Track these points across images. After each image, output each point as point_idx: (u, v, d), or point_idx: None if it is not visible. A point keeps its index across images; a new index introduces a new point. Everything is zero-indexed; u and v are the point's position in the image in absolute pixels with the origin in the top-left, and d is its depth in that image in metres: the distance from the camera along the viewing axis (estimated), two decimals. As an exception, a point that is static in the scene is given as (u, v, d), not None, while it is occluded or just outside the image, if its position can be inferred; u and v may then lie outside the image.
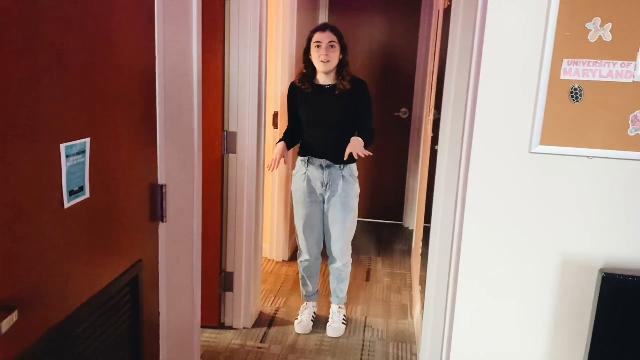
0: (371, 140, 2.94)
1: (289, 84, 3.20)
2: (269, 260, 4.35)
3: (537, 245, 1.72)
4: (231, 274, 3.14)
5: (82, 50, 1.29)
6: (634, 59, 1.55)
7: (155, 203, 1.79)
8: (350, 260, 3.26)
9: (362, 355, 3.00)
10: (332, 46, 2.91)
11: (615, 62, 1.56)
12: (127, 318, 1.63)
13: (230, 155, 3.00)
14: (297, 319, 3.30)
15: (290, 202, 4.09)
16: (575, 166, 1.65)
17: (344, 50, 2.97)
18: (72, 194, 1.28)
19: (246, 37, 2.85)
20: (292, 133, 3.15)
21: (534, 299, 1.75)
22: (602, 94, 1.58)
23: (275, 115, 3.97)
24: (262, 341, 3.09)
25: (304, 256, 3.24)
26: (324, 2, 5.11)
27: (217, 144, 2.93)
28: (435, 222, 2.52)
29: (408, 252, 4.73)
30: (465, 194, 1.75)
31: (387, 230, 5.35)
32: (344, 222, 3.07)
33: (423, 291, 2.97)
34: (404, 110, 5.24)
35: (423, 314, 2.76)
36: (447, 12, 2.77)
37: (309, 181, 3.06)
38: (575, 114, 1.61)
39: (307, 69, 3.02)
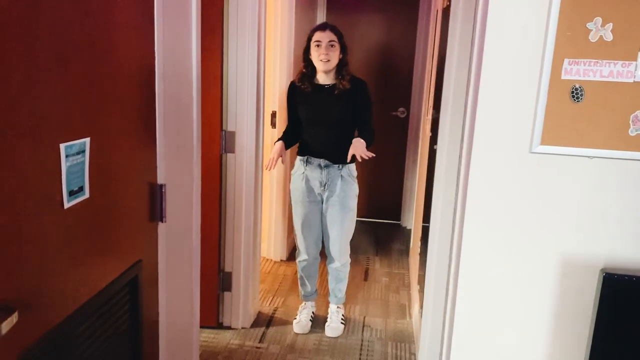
0: (372, 140, 2.94)
1: (288, 83, 3.19)
2: (267, 259, 4.34)
3: (537, 245, 1.71)
4: (229, 274, 3.13)
5: (81, 50, 1.28)
6: (635, 58, 1.55)
7: (154, 203, 1.78)
8: (349, 260, 3.26)
9: (360, 354, 3.00)
10: (332, 45, 2.91)
11: (615, 62, 1.56)
12: (127, 318, 1.63)
13: (229, 154, 2.99)
14: (295, 318, 3.30)
15: (288, 201, 4.09)
16: (576, 166, 1.64)
17: (343, 49, 2.97)
18: (71, 194, 1.28)
19: (244, 37, 2.84)
20: (291, 132, 3.14)
21: (534, 299, 1.75)
22: (603, 94, 1.58)
23: (273, 115, 3.97)
24: (260, 341, 3.09)
25: (302, 256, 3.24)
26: (321, 1, 5.10)
27: (216, 144, 2.92)
28: (434, 222, 2.52)
29: (406, 252, 4.73)
30: (466, 194, 1.74)
31: (385, 229, 5.35)
32: (342, 222, 3.07)
33: (421, 290, 2.97)
34: (401, 109, 5.24)
35: (421, 313, 2.76)
36: (446, 11, 2.77)
37: (307, 181, 3.05)
38: (576, 114, 1.60)
39: (307, 68, 3.01)
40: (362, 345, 3.11)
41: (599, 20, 1.54)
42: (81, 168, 1.31)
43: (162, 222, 1.84)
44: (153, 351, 1.90)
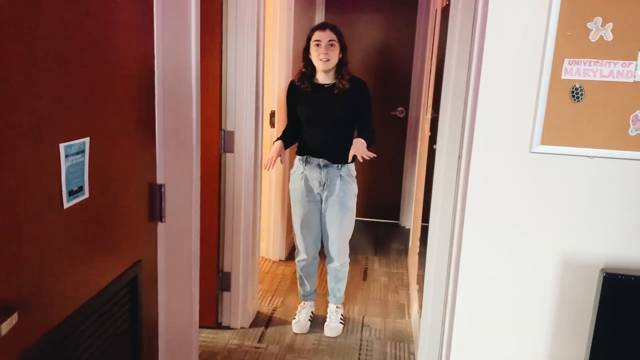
0: (372, 140, 2.93)
1: (287, 83, 3.19)
2: (266, 259, 4.34)
3: (537, 245, 1.71)
4: (228, 274, 3.13)
5: (81, 50, 1.28)
6: (635, 58, 1.55)
7: (154, 203, 1.78)
8: (348, 260, 3.26)
9: (359, 354, 3.00)
10: (332, 45, 2.91)
11: (616, 61, 1.56)
12: (126, 318, 1.62)
13: (228, 154, 2.99)
14: (294, 318, 3.30)
15: (287, 201, 4.09)
16: (576, 166, 1.64)
17: (343, 49, 2.96)
18: (71, 194, 1.27)
19: (244, 36, 2.84)
20: (290, 132, 3.14)
21: (535, 299, 1.75)
22: (603, 94, 1.58)
23: (272, 114, 3.96)
24: (259, 341, 3.08)
25: (301, 255, 3.23)
26: (320, 1, 5.10)
27: (215, 143, 2.92)
28: (433, 221, 2.52)
29: (405, 251, 4.73)
30: (466, 194, 1.74)
31: (384, 229, 5.35)
32: (341, 222, 3.07)
33: (420, 290, 2.97)
34: (400, 109, 5.24)
35: (421, 313, 2.76)
36: (445, 11, 2.77)
37: (306, 180, 3.05)
38: (576, 114, 1.60)
39: (307, 68, 3.01)
40: (361, 345, 3.11)
41: (599, 20, 1.54)
42: (81, 168, 1.31)
43: (162, 222, 1.83)
44: (152, 351, 1.90)
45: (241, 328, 3.20)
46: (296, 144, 3.15)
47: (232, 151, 2.98)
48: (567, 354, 1.76)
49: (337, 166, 2.98)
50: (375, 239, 5.03)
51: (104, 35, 1.38)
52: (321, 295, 3.58)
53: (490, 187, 1.71)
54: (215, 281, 3.09)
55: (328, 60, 2.90)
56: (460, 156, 2.02)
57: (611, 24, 1.54)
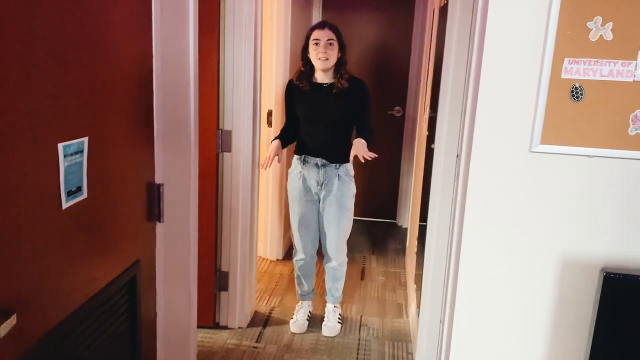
0: (372, 140, 2.93)
1: (285, 82, 3.18)
2: (263, 259, 4.33)
3: (537, 245, 1.71)
4: (226, 273, 3.12)
5: (80, 49, 1.27)
6: (635, 58, 1.55)
7: (152, 203, 1.77)
8: (346, 260, 3.25)
9: (357, 354, 3.00)
10: (331, 44, 2.90)
11: (615, 61, 1.56)
12: (125, 319, 1.61)
13: (225, 153, 2.98)
14: (292, 318, 3.29)
15: (284, 200, 4.08)
16: (576, 165, 1.64)
17: (342, 48, 2.96)
18: (69, 194, 1.26)
19: (241, 35, 2.83)
20: (288, 131, 3.13)
21: (534, 299, 1.75)
22: (603, 93, 1.58)
23: (269, 114, 3.96)
24: (257, 341, 3.08)
25: (299, 255, 3.23)
26: (317, 0, 5.09)
27: (212, 143, 2.91)
28: (431, 221, 2.52)
29: (402, 251, 4.73)
30: (465, 193, 1.74)
31: (381, 228, 5.35)
32: (339, 222, 3.06)
33: (418, 290, 2.97)
34: (397, 108, 5.24)
35: (419, 312, 2.76)
36: (443, 10, 2.76)
37: (304, 180, 3.04)
38: (576, 113, 1.60)
39: (305, 67, 3.00)
40: (359, 344, 3.10)
41: (599, 19, 1.54)
42: (79, 168, 1.30)
43: (160, 222, 1.82)
44: (151, 351, 1.89)
45: (239, 328, 3.19)
46: (294, 144, 3.15)
47: (229, 150, 2.97)
48: (567, 354, 1.76)
49: (335, 166, 2.98)
50: (373, 239, 5.03)
51: (102, 35, 1.37)
52: (319, 294, 3.58)
53: (490, 186, 1.71)
54: (212, 281, 3.08)
55: (327, 59, 2.89)
56: (458, 155, 2.02)
57: (611, 23, 1.54)
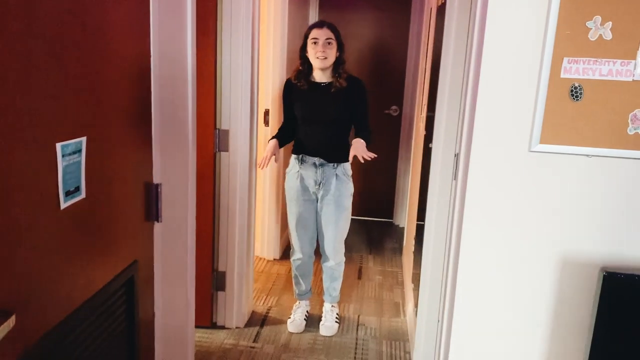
0: (370, 139, 2.92)
1: (282, 81, 3.18)
2: (260, 258, 4.32)
3: (537, 244, 1.71)
4: (223, 273, 3.11)
5: (77, 49, 1.26)
6: (634, 57, 1.55)
7: (150, 202, 1.76)
8: (344, 259, 3.25)
9: (355, 353, 2.99)
10: (329, 43, 2.89)
11: (615, 60, 1.56)
12: (123, 319, 1.61)
13: (222, 153, 2.97)
14: (289, 317, 3.29)
15: (281, 200, 4.07)
16: (575, 165, 1.64)
17: (340, 47, 2.95)
18: (68, 194, 1.25)
19: (238, 34, 2.82)
20: (285, 130, 3.13)
21: (534, 298, 1.75)
22: (602, 93, 1.58)
23: (266, 113, 3.95)
24: (254, 340, 3.07)
25: (296, 254, 3.22)
26: (314, -1, 5.10)
27: (209, 142, 2.90)
28: (429, 220, 2.52)
29: (399, 250, 4.73)
30: (465, 193, 1.74)
31: (378, 227, 5.35)
32: (337, 221, 3.06)
33: (416, 289, 2.97)
34: (394, 107, 5.24)
35: (416, 311, 2.76)
36: (441, 9, 2.76)
37: (302, 179, 3.04)
38: (575, 113, 1.60)
39: (303, 66, 2.99)
40: (356, 344, 3.10)
41: (598, 18, 1.54)
42: (77, 168, 1.29)
43: (158, 222, 1.82)
44: (149, 351, 1.88)
45: (236, 328, 3.18)
46: (291, 143, 3.14)
47: (226, 150, 2.96)
48: (567, 353, 1.77)
49: (333, 165, 2.97)
50: (370, 238, 5.03)
51: (100, 35, 1.36)
52: (316, 294, 3.57)
53: (489, 186, 1.71)
54: (210, 281, 3.08)
55: (325, 58, 2.88)
56: (456, 155, 2.02)
57: (610, 22, 1.54)
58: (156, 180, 1.80)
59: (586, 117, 1.60)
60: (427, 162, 2.78)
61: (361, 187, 5.23)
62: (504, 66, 1.63)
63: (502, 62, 1.63)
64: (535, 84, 1.61)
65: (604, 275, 1.51)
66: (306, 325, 3.24)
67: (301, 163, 3.02)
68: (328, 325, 3.21)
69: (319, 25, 2.93)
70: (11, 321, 1.01)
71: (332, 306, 3.31)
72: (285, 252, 4.31)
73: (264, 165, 2.97)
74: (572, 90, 1.59)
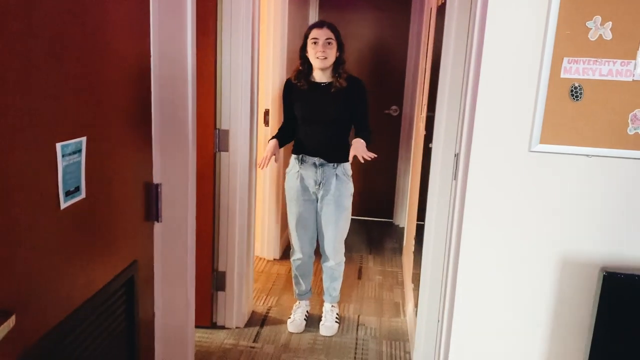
0: (370, 139, 2.92)
1: (282, 81, 3.17)
2: (260, 258, 4.32)
3: (537, 244, 1.71)
4: (223, 273, 3.11)
5: (78, 49, 1.26)
6: (634, 57, 1.55)
7: (150, 202, 1.76)
8: (344, 259, 3.25)
9: (355, 353, 2.99)
10: (329, 43, 2.89)
11: (615, 60, 1.56)
12: (123, 319, 1.60)
13: (222, 153, 2.97)
14: (289, 317, 3.28)
15: (281, 199, 4.07)
16: (575, 165, 1.64)
17: (340, 47, 2.95)
18: (68, 194, 1.25)
19: (238, 34, 2.82)
20: (285, 130, 3.13)
21: (534, 298, 1.75)
22: (602, 93, 1.58)
23: (266, 113, 3.95)
24: (254, 340, 3.07)
25: (297, 255, 3.22)
26: (314, -1, 5.09)
27: (209, 142, 2.90)
28: (429, 220, 2.52)
29: (399, 250, 4.73)
30: (465, 193, 1.74)
31: (378, 227, 5.35)
32: (337, 221, 3.06)
33: (416, 289, 2.97)
34: (394, 107, 5.24)
35: (416, 311, 2.76)
36: (441, 9, 2.76)
37: (302, 179, 3.04)
38: (575, 113, 1.60)
39: (303, 66, 2.99)
40: (356, 344, 3.10)
41: (598, 18, 1.54)
42: (77, 168, 1.29)
43: (158, 222, 1.82)
44: (149, 351, 1.88)
45: (236, 328, 3.18)
46: (291, 143, 3.14)
47: (226, 150, 2.96)
48: (567, 353, 1.77)
49: (333, 165, 2.97)
50: (369, 238, 5.03)
51: (100, 35, 1.36)
52: (316, 294, 3.57)
53: (489, 186, 1.70)
54: (210, 281, 3.08)
55: (325, 58, 2.88)
56: (456, 155, 2.02)
57: (610, 22, 1.54)
58: (156, 180, 1.79)
59: (586, 117, 1.60)
60: (427, 162, 2.78)
61: (361, 187, 5.23)
62: (504, 66, 1.63)
63: (502, 62, 1.63)
64: (535, 84, 1.61)
65: (604, 275, 1.51)
66: (306, 325, 3.24)
67: (301, 163, 3.02)
68: (328, 325, 3.21)
69: (319, 25, 2.93)
70: (11, 321, 1.01)
71: (332, 306, 3.31)
72: (285, 252, 4.31)
73: (263, 165, 2.97)
74: (572, 90, 1.59)
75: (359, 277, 4.10)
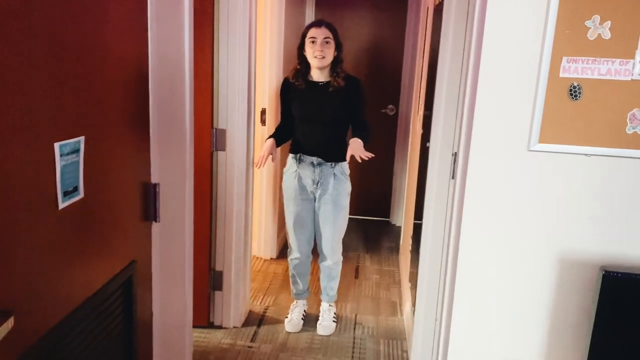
0: (368, 139, 2.92)
1: (279, 80, 3.17)
2: (257, 258, 4.31)
3: (536, 243, 1.71)
4: (220, 273, 3.10)
5: (75, 48, 1.25)
6: (633, 56, 1.55)
7: (148, 202, 1.75)
8: (341, 258, 3.24)
9: (353, 352, 2.99)
10: (327, 42, 2.88)
11: (613, 59, 1.56)
12: (121, 320, 1.60)
13: (219, 152, 2.96)
14: (287, 317, 3.28)
15: (278, 199, 4.07)
16: (574, 164, 1.65)
17: (338, 47, 2.95)
18: (66, 194, 1.25)
19: (235, 33, 2.81)
20: (283, 129, 3.12)
21: (533, 297, 1.75)
22: (601, 92, 1.58)
23: (263, 112, 3.94)
24: (252, 340, 3.06)
25: (294, 254, 3.22)
26: (310, -2, 5.09)
27: (206, 141, 2.89)
28: (427, 220, 2.52)
29: (395, 249, 4.73)
30: (464, 192, 1.74)
31: (374, 226, 5.35)
32: (335, 221, 3.05)
33: (413, 288, 2.97)
34: (390, 106, 5.23)
35: (414, 310, 2.76)
36: (438, 9, 2.76)
37: (299, 179, 3.03)
38: (574, 112, 1.60)
39: (301, 65, 2.98)
40: (354, 343, 3.10)
41: (597, 18, 1.54)
42: (75, 168, 1.28)
43: (156, 221, 1.81)
44: (147, 351, 1.87)
45: (233, 327, 3.17)
46: (289, 142, 3.13)
47: (223, 149, 2.95)
48: (567, 351, 1.77)
49: (331, 164, 2.97)
50: (366, 237, 5.02)
51: (98, 35, 1.35)
52: (313, 293, 3.57)
53: (489, 185, 1.70)
54: (207, 280, 3.07)
55: (323, 57, 2.88)
56: (454, 154, 2.02)
57: (609, 22, 1.54)
58: (154, 180, 1.79)
59: (585, 116, 1.60)
60: (424, 161, 2.78)
61: (358, 186, 5.21)
62: (503, 66, 1.63)
63: (501, 61, 1.63)
64: (534, 83, 1.61)
65: (604, 274, 1.51)
66: (303, 325, 3.24)
67: (299, 162, 3.01)
68: (325, 325, 3.20)
69: (317, 24, 2.93)
70: (10, 322, 1.00)
71: (329, 305, 3.31)
72: (282, 252, 4.30)
73: (260, 165, 2.96)
74: (571, 90, 1.59)
75: (356, 276, 4.10)
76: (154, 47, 1.71)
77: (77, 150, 1.28)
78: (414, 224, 3.32)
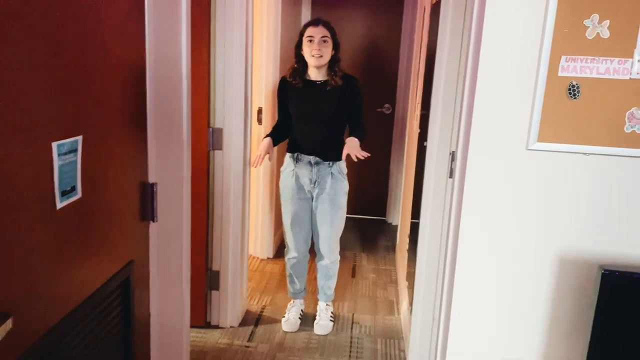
0: (364, 137, 2.92)
1: (275, 79, 3.16)
2: (254, 257, 4.31)
3: (535, 242, 1.72)
4: (217, 272, 3.10)
5: (73, 48, 1.24)
6: (631, 55, 1.56)
7: (145, 202, 1.74)
8: (338, 258, 3.25)
9: (350, 352, 2.99)
10: (325, 41, 2.88)
11: (612, 59, 1.56)
12: (119, 320, 1.59)
13: (216, 151, 2.95)
14: (284, 316, 3.28)
15: (275, 198, 4.06)
16: (573, 163, 1.65)
17: (336, 45, 2.94)
18: (64, 194, 1.24)
19: (232, 33, 2.81)
20: (280, 128, 3.11)
21: (532, 296, 1.76)
22: (599, 91, 1.58)
23: (259, 111, 3.93)
24: (249, 340, 3.06)
25: (291, 253, 3.21)
26: (306, -3, 5.08)
27: (203, 141, 2.88)
28: (424, 218, 2.52)
29: (392, 248, 4.73)
30: (462, 191, 1.74)
31: (371, 225, 5.35)
32: (332, 220, 3.05)
33: (410, 287, 2.97)
34: (387, 106, 5.23)
35: (411, 310, 2.76)
36: (435, 8, 2.76)
37: (297, 178, 3.02)
38: (573, 111, 1.60)
39: (299, 64, 2.98)
40: (351, 342, 3.10)
41: (595, 17, 1.54)
42: (73, 167, 1.27)
43: (154, 221, 1.80)
44: (144, 351, 1.87)
45: (230, 327, 3.17)
46: (286, 141, 3.13)
47: (220, 148, 2.95)
48: (566, 350, 1.77)
49: (329, 163, 2.97)
50: (363, 236, 5.03)
51: (96, 34, 1.34)
52: (310, 293, 3.56)
53: (487, 184, 1.70)
54: (204, 280, 3.06)
55: (321, 56, 2.87)
56: (452, 153, 2.01)
57: (608, 21, 1.54)
58: (151, 179, 1.78)
59: (584, 115, 1.60)
60: (421, 160, 2.78)
61: (354, 185, 5.19)
62: (502, 64, 1.63)
63: (500, 60, 1.63)
64: (533, 82, 1.61)
65: (603, 273, 1.51)
66: (301, 324, 3.24)
67: (296, 161, 3.01)
68: (323, 324, 3.20)
69: (314, 23, 2.92)
70: (8, 324, 0.99)
71: (326, 305, 3.31)
72: (279, 251, 4.30)
73: (257, 164, 2.95)
74: (569, 89, 1.59)
75: (353, 276, 4.10)
76: (151, 47, 1.70)
77: (74, 150, 1.27)
78: (411, 222, 3.32)
